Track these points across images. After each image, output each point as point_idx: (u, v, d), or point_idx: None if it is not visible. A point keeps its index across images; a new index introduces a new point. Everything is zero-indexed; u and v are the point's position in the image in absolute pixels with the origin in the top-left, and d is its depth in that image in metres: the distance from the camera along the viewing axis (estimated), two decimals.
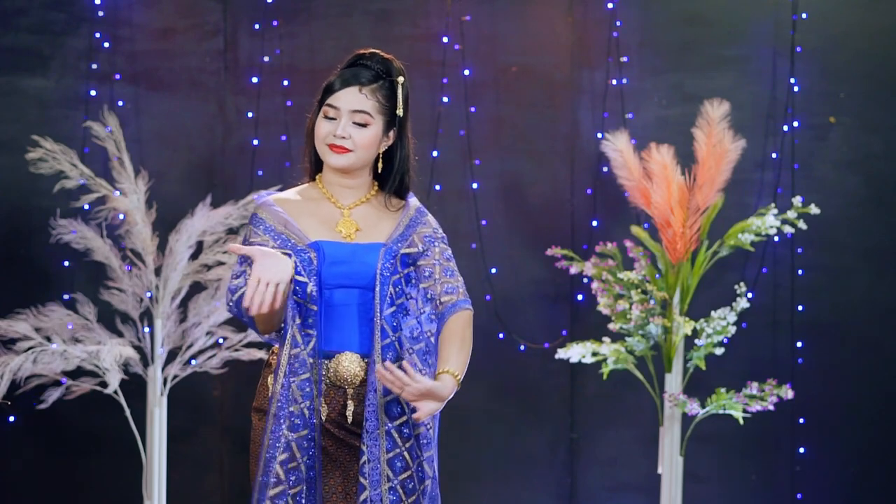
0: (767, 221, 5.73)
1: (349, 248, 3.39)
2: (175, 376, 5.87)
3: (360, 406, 3.37)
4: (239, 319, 3.42)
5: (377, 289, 3.35)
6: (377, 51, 3.47)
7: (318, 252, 3.36)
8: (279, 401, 3.39)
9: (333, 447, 3.39)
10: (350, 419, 3.38)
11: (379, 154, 3.46)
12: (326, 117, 3.42)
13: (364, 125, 3.41)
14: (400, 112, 3.44)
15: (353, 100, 3.41)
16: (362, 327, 3.38)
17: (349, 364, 3.37)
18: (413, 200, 3.52)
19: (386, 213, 3.47)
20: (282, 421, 3.38)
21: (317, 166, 3.51)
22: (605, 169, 6.23)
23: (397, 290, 3.37)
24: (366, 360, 3.37)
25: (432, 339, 3.40)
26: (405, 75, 3.46)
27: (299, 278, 3.33)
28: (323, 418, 3.37)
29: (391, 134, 3.45)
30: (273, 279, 3.23)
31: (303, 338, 3.35)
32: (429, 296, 3.40)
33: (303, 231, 3.39)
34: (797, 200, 5.79)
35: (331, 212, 3.45)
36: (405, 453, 3.35)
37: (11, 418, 6.35)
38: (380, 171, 3.48)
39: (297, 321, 3.34)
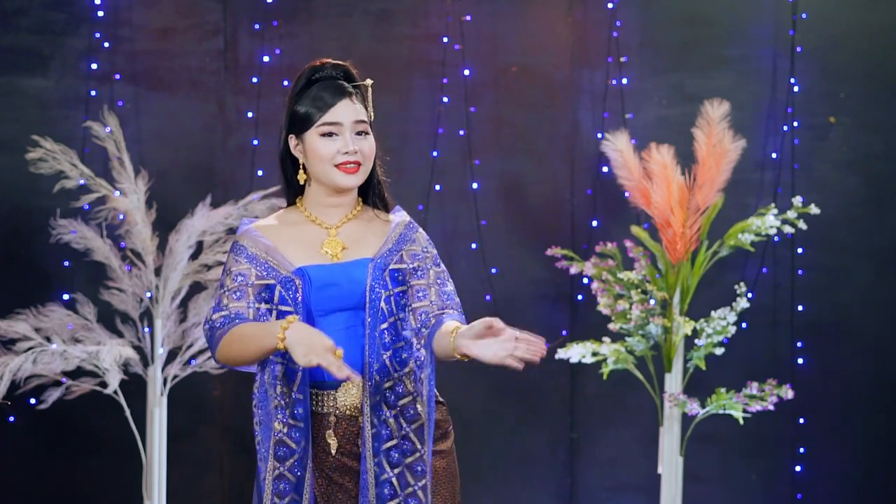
0: (767, 221, 5.73)
1: (336, 269, 3.25)
2: (175, 376, 5.86)
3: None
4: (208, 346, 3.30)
5: (367, 305, 3.23)
6: (329, 60, 3.35)
7: (303, 278, 3.23)
8: (265, 453, 3.25)
9: (351, 482, 3.26)
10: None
11: None
12: (325, 136, 3.28)
13: (366, 134, 3.31)
14: (372, 116, 3.33)
15: (351, 111, 3.29)
16: (358, 350, 3.25)
17: (357, 391, 3.25)
18: (401, 215, 3.39)
19: (373, 227, 3.35)
20: (272, 471, 3.24)
21: (295, 191, 3.38)
22: (605, 169, 6.23)
23: (389, 307, 3.25)
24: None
25: (423, 358, 3.27)
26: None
27: (284, 308, 3.22)
28: (333, 452, 3.25)
29: None
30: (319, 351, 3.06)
31: (285, 377, 3.22)
32: (422, 316, 3.26)
33: (286, 258, 3.26)
34: (797, 200, 5.79)
35: (316, 234, 3.32)
36: (393, 479, 3.22)
37: (11, 418, 6.34)
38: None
39: (276, 373, 3.21)
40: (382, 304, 3.24)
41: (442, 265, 3.37)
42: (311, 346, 3.04)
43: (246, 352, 3.19)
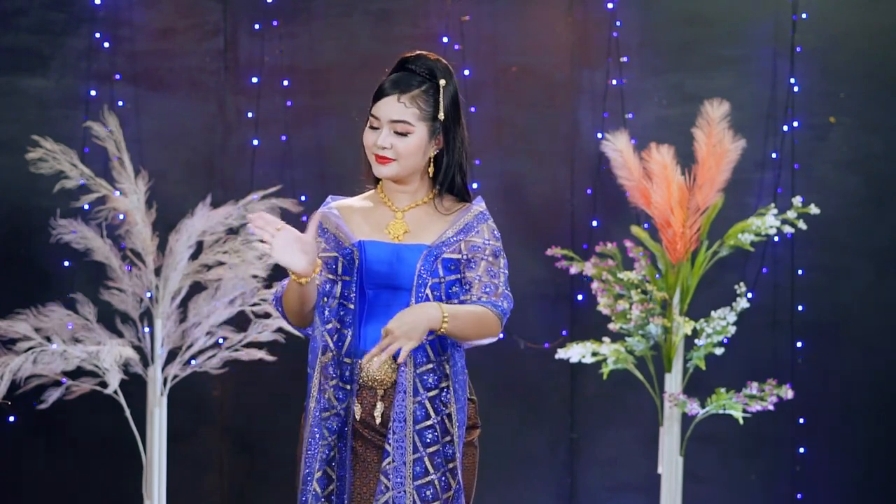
0: (767, 221, 5.73)
1: (392, 249, 3.39)
2: (175, 376, 5.86)
3: (389, 408, 3.37)
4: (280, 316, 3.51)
5: (413, 289, 3.34)
6: (423, 53, 3.43)
7: (361, 251, 3.38)
8: (317, 405, 3.40)
9: (362, 447, 3.39)
10: (378, 420, 3.38)
11: (431, 158, 3.43)
12: (371, 127, 3.41)
13: (405, 134, 3.38)
14: (441, 117, 3.39)
15: (392, 109, 3.38)
16: None
17: (380, 366, 3.37)
18: (477, 206, 3.48)
19: (440, 215, 3.45)
20: (319, 424, 3.39)
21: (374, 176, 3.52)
22: (605, 169, 6.23)
23: (435, 294, 3.35)
24: (398, 363, 3.35)
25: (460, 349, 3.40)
26: (451, 77, 3.41)
27: (346, 278, 3.37)
28: (357, 418, 3.38)
29: (439, 138, 3.42)
30: (279, 253, 3.23)
31: (336, 339, 3.37)
32: None
33: (351, 231, 3.41)
34: (797, 200, 5.79)
35: (384, 214, 3.45)
36: (426, 458, 3.33)
37: (11, 418, 6.34)
38: (430, 175, 3.45)
39: (329, 325, 3.37)
40: (428, 290, 3.35)
41: (500, 257, 3.46)
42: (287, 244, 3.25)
43: (291, 300, 3.37)
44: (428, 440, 3.34)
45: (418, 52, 3.45)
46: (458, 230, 3.42)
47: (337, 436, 3.38)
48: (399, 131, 3.38)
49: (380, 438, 3.37)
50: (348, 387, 3.37)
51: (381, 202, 3.48)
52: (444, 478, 3.35)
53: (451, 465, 3.36)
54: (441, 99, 3.40)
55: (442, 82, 3.40)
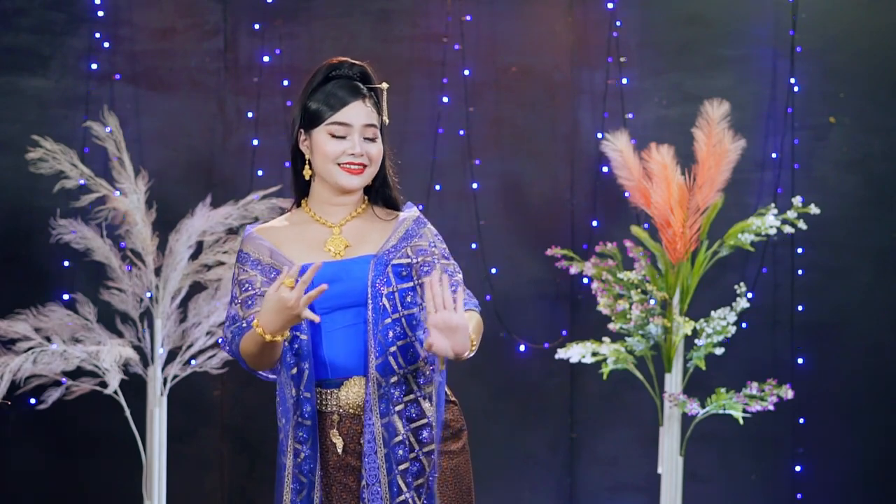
0: (767, 221, 5.73)
1: (338, 266, 3.24)
2: (175, 376, 5.86)
3: None
4: (236, 360, 3.31)
5: (369, 301, 3.20)
6: (347, 59, 3.34)
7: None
8: (284, 446, 3.25)
9: (355, 482, 3.25)
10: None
11: None
12: (334, 136, 3.28)
13: (374, 139, 3.30)
14: (386, 119, 3.32)
15: (363, 114, 3.29)
16: (362, 347, 3.22)
17: (358, 390, 3.23)
18: (411, 211, 3.37)
19: (378, 224, 3.33)
20: (296, 477, 3.24)
21: (303, 187, 3.38)
22: (605, 169, 6.23)
23: (392, 303, 3.21)
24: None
25: (433, 357, 3.25)
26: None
27: None
28: (339, 452, 3.24)
29: None
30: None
31: (295, 375, 3.21)
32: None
33: (288, 258, 3.25)
34: (797, 200, 5.79)
35: (319, 232, 3.31)
36: (398, 477, 3.19)
37: (11, 418, 6.34)
38: (371, 182, 3.35)
39: (293, 370, 3.21)
40: (384, 300, 3.22)
41: (450, 257, 3.34)
42: (270, 303, 3.04)
43: (255, 354, 3.19)
44: (399, 456, 3.20)
45: (340, 58, 3.34)
46: (401, 237, 3.30)
47: (311, 477, 3.21)
48: (369, 136, 3.29)
49: None
50: (309, 423, 3.20)
51: (311, 220, 3.33)
52: (413, 495, 3.21)
53: (418, 483, 3.22)
54: (384, 102, 3.32)
55: (385, 85, 3.33)
